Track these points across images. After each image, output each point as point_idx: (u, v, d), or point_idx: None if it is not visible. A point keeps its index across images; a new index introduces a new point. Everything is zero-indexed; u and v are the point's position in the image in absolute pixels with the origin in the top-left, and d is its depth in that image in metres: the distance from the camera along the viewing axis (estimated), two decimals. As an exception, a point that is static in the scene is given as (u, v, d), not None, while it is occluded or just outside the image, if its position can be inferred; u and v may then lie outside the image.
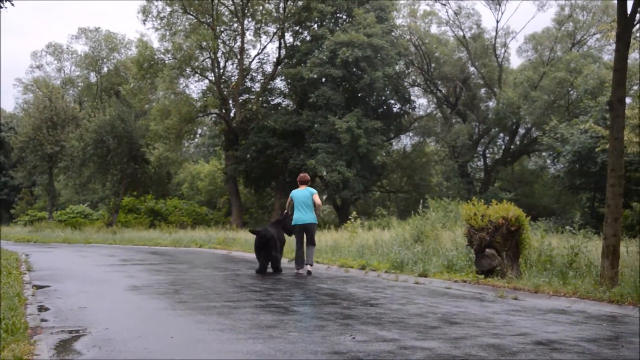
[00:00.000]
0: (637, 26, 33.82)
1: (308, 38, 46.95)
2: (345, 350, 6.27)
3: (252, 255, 22.61)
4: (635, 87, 40.16)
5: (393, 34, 47.32)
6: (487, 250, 13.50)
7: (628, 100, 41.33)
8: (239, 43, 48.16)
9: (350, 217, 22.63)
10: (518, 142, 53.84)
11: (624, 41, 12.26)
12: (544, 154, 44.04)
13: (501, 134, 54.53)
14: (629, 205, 35.68)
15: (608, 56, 48.22)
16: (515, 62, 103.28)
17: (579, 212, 24.80)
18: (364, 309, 9.37)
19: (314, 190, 16.02)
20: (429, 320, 8.38)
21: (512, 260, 13.54)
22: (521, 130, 53.26)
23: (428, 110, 57.25)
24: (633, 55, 42.33)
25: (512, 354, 6.31)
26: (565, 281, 12.11)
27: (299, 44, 47.53)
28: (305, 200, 15.93)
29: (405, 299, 10.77)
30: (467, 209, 14.30)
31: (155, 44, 58.56)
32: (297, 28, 47.78)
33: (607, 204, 11.99)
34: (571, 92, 48.25)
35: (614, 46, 12.71)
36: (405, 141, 57.08)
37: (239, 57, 48.02)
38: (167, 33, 47.00)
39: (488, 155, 56.53)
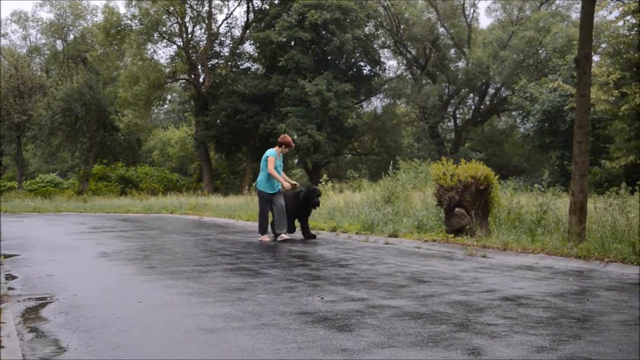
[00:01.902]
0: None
1: (276, 1, 46.57)
2: (313, 311, 6.28)
3: (224, 220, 22.65)
4: (604, 45, 40.32)
5: (362, -5, 47.12)
6: (456, 209, 13.57)
7: (596, 58, 41.55)
8: (206, 7, 47.78)
9: (321, 180, 22.62)
10: (488, 102, 54.05)
11: (589, -3, 12.26)
12: (513, 113, 44.20)
13: (471, 94, 54.73)
14: (597, 162, 36.01)
15: (576, 14, 48.26)
16: (484, 22, 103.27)
17: (547, 171, 24.91)
18: (334, 270, 9.39)
19: (265, 156, 14.51)
20: (397, 280, 8.41)
21: (481, 218, 13.62)
22: (491, 90, 53.47)
23: (398, 72, 57.27)
24: (602, 13, 42.47)
25: (479, 310, 6.35)
26: (534, 238, 12.22)
27: (267, 7, 47.18)
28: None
29: (375, 259, 10.81)
30: (436, 169, 14.34)
31: (122, 10, 58.05)
32: (266, -9, 47.42)
33: (574, 161, 12.07)
34: (540, 51, 48.44)
35: (581, 3, 12.69)
36: (376, 103, 57.16)
37: (207, 21, 47.67)
38: (134, -2, 46.46)
39: (458, 115, 56.73)
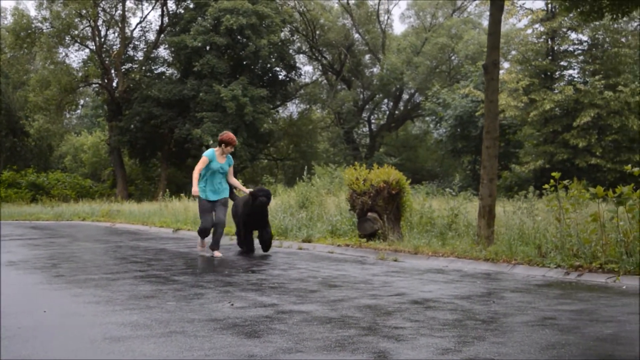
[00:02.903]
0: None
1: (191, 5, 46.28)
2: (222, 317, 6.24)
3: (136, 227, 22.34)
4: (514, 52, 41.27)
5: (277, 0, 47.16)
6: (369, 214, 13.68)
7: (506, 65, 42.49)
8: (120, 11, 47.13)
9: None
10: (402, 108, 54.72)
11: (497, 5, 12.54)
12: (427, 118, 44.90)
13: (385, 100, 55.32)
14: (508, 167, 36.83)
15: (487, 22, 49.14)
16: (398, 28, 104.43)
17: (458, 175, 25.34)
18: (245, 275, 9.37)
19: (202, 154, 12.64)
20: (309, 285, 8.44)
21: (393, 223, 13.76)
22: (405, 96, 54.14)
23: (314, 78, 57.54)
24: (512, 21, 43.47)
25: (387, 314, 6.42)
26: (444, 242, 12.42)
27: (182, 11, 46.86)
28: None
29: (287, 264, 10.82)
30: (349, 174, 14.45)
31: (32, 12, 56.71)
32: (180, -4, 47.05)
33: (482, 166, 12.32)
34: (453, 58, 49.26)
35: (489, 11, 12.97)
36: (292, 108, 57.29)
37: (120, 25, 47.02)
38: (45, 1, 45.48)
39: (373, 121, 57.27)
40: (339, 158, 47.69)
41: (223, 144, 12.43)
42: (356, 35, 53.46)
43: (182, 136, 41.82)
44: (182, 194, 27.76)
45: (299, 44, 53.62)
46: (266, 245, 13.03)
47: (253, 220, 13.00)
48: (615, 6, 12.84)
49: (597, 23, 35.48)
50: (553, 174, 10.93)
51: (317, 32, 52.65)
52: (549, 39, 39.87)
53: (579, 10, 13.23)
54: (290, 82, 50.19)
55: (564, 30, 39.25)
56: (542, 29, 39.11)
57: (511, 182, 35.26)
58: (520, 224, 12.55)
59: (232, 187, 12.84)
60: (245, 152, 41.29)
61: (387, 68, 48.85)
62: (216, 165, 12.32)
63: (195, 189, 12.10)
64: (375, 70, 54.10)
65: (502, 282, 8.64)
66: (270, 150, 53.49)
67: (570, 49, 40.60)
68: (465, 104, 36.50)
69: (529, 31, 40.14)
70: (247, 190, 12.93)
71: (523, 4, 40.81)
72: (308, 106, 56.24)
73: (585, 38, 40.37)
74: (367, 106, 55.15)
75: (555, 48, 40.10)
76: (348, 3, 52.13)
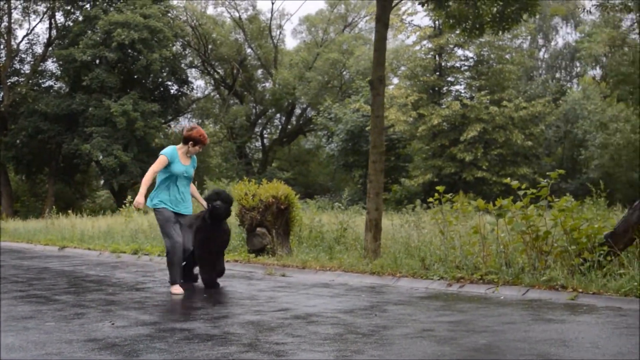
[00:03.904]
0: (407, 10, 35.28)
1: (80, 18, 45.38)
2: (102, 337, 6.12)
3: (21, 245, 21.70)
4: (403, 68, 42.08)
5: (169, 14, 46.76)
6: (258, 229, 13.67)
7: (396, 80, 43.27)
8: (5, 23, 45.83)
9: (125, 201, 22.21)
10: (294, 122, 54.95)
11: (382, 22, 12.76)
12: (319, 133, 45.23)
13: (278, 115, 55.47)
14: (398, 180, 37.43)
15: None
16: (290, 43, 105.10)
17: (347, 189, 25.59)
18: (129, 294, 9.22)
19: (161, 152, 9.72)
20: (193, 302, 8.37)
21: (282, 238, 13.79)
22: (297, 111, 54.42)
23: (206, 92, 57.28)
24: (401, 37, 44.29)
25: (270, 330, 6.42)
26: (332, 256, 12.52)
27: (71, 24, 45.92)
28: None
29: (174, 281, 10.70)
30: (238, 189, 14.42)
31: None
32: (69, 7, 46.06)
33: (369, 180, 12.51)
34: (344, 73, 49.78)
35: (375, 28, 13.20)
36: (184, 123, 56.72)
37: (5, 37, 45.72)
38: None
39: (266, 135, 57.32)
40: (231, 173, 47.43)
41: (190, 142, 9.61)
42: (248, 50, 53.50)
43: (70, 151, 40.95)
44: (69, 211, 27.11)
45: (191, 58, 53.25)
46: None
47: (212, 241, 9.80)
48: (496, 23, 13.29)
49: (482, 40, 36.59)
50: (437, 187, 11.16)
51: (210, 47, 52.41)
52: (437, 55, 40.88)
53: (462, 26, 13.64)
54: (182, 96, 49.81)
55: (451, 46, 40.31)
56: (430, 45, 40.11)
57: (401, 195, 35.84)
58: (407, 237, 12.78)
59: None
60: (136, 168, 40.68)
61: (280, 83, 49.03)
62: (179, 168, 9.49)
63: (141, 198, 9.19)
64: (268, 84, 54.25)
65: (385, 295, 8.77)
66: (161, 165, 52.78)
67: (457, 65, 41.74)
68: (356, 119, 36.96)
69: (417, 47, 41.07)
70: (204, 202, 9.85)
71: (411, 21, 41.57)
72: (200, 121, 55.88)
73: (471, 54, 41.59)
74: (259, 121, 55.18)
75: (443, 64, 41.15)
76: (240, 18, 52.11)
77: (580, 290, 8.25)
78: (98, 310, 7.70)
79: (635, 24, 19.55)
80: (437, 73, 40.65)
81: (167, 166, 9.45)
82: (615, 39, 31.14)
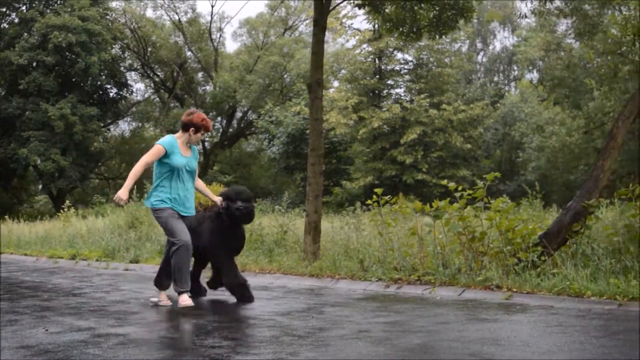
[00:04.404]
0: (347, 13, 35.33)
1: (16, 20, 44.56)
2: (34, 344, 6.03)
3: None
4: (344, 71, 42.26)
5: (108, 17, 46.21)
6: (197, 233, 13.60)
7: (336, 83, 43.44)
8: (-62, 25, 44.85)
9: (63, 206, 21.92)
10: (235, 126, 54.76)
11: (320, 26, 12.79)
12: (260, 136, 45.11)
13: (219, 118, 55.14)
14: (339, 183, 37.56)
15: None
16: (231, 46, 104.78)
17: (288, 192, 25.61)
18: (65, 299, 9.10)
19: (157, 142, 8.48)
20: (130, 307, 8.30)
21: (221, 241, 13.73)
22: (238, 114, 54.23)
23: (146, 95, 56.70)
24: (340, 41, 44.49)
25: (206, 333, 6.40)
26: (272, 258, 12.51)
27: (6, 26, 45.04)
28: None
29: (111, 286, 10.61)
30: (176, 193, 14.33)
31: None
32: (4, 9, 45.19)
33: (308, 182, 12.55)
34: (285, 76, 49.78)
35: (312, 31, 13.25)
36: (124, 127, 56.22)
37: (-62, 40, 44.70)
38: None
39: (207, 139, 56.98)
40: (172, 176, 47.05)
41: (191, 129, 8.37)
42: (188, 53, 53.11)
43: (7, 156, 40.18)
44: (6, 216, 26.62)
45: (130, 61, 52.67)
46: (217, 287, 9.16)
47: (235, 242, 8.82)
48: (433, 28, 13.44)
49: (421, 44, 37.00)
50: (376, 189, 11.24)
51: (149, 49, 51.93)
52: (377, 59, 41.19)
53: (399, 30, 13.76)
54: (122, 99, 49.22)
55: (391, 50, 40.65)
56: (369, 49, 40.36)
57: (342, 198, 36.00)
58: (346, 240, 12.85)
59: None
60: (75, 172, 40.14)
61: (220, 86, 48.79)
62: (180, 161, 8.24)
63: (124, 193, 8.05)
64: (208, 88, 53.94)
65: (323, 297, 8.80)
66: (101, 169, 52.20)
67: (397, 68, 42.14)
68: (297, 122, 36.97)
69: (358, 51, 41.31)
70: (218, 199, 8.74)
71: (351, 24, 41.80)
72: (140, 124, 55.39)
73: (410, 58, 41.97)
74: (200, 124, 54.88)
75: (383, 67, 41.49)
76: (180, 21, 51.71)
77: (515, 290, 8.39)
78: (32, 317, 7.59)
79: (570, 29, 19.99)
80: (377, 76, 40.95)
81: (166, 158, 8.17)
82: (550, 43, 31.70)
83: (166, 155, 8.16)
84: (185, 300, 8.05)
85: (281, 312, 7.56)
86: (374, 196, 11.13)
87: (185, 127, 8.37)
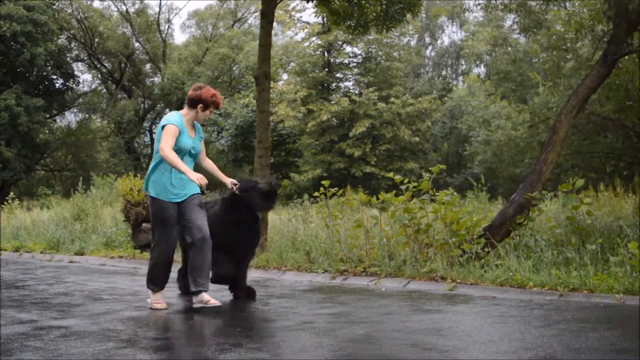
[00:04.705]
0: (296, 6, 35.21)
1: (-42, 9, 43.72)
2: (-26, 336, 5.96)
3: None
4: (293, 64, 42.25)
5: (54, 7, 45.53)
6: (143, 224, 13.54)
7: (285, 76, 43.43)
8: None
9: (7, 198, 21.61)
10: (184, 118, 54.38)
11: (267, 18, 12.79)
12: (209, 128, 44.88)
13: (167, 109, 54.67)
14: (288, 176, 37.56)
15: (267, 34, 49.55)
16: (179, 38, 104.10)
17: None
18: (7, 292, 8.96)
19: (160, 124, 7.44)
20: (74, 299, 8.22)
21: (168, 233, 13.66)
22: (187, 106, 53.86)
23: (93, 86, 55.94)
24: (290, 33, 44.48)
25: (148, 326, 6.38)
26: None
27: (-52, 15, 44.16)
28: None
29: (55, 278, 10.48)
30: (123, 185, 14.24)
31: None
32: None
33: (255, 175, 12.51)
34: (234, 68, 49.62)
35: (260, 24, 13.23)
36: (70, 118, 55.43)
37: None
38: None
39: (154, 130, 56.55)
40: (119, 168, 46.49)
41: (200, 106, 7.39)
42: (136, 44, 52.54)
43: (-54, 149, 39.48)
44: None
45: (77, 52, 51.94)
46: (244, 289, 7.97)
47: (244, 238, 7.77)
48: (380, 22, 13.49)
49: (370, 37, 37.11)
50: (323, 182, 11.28)
51: (96, 40, 51.26)
52: (325, 52, 41.20)
53: (347, 24, 13.79)
54: (68, 90, 48.52)
55: (340, 43, 40.68)
56: (318, 42, 40.36)
57: (291, 190, 35.99)
58: (294, 232, 12.87)
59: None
60: (20, 164, 39.52)
61: (168, 77, 48.37)
62: (187, 142, 7.33)
63: (195, 174, 7.07)
64: (157, 79, 53.41)
65: (269, 289, 8.81)
66: (47, 161, 51.43)
67: (346, 61, 42.19)
68: (246, 114, 36.86)
69: (307, 44, 41.31)
70: (229, 181, 7.78)
71: (300, 17, 41.78)
72: (87, 115, 54.68)
73: (359, 51, 42.07)
74: (148, 115, 54.26)
75: (332, 60, 41.50)
76: (128, 11, 51.11)
77: (459, 281, 8.51)
78: (-27, 310, 7.48)
79: (516, 24, 20.22)
80: (326, 69, 40.98)
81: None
82: (497, 38, 32.07)
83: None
84: (158, 302, 7.45)
85: (226, 304, 7.54)
86: (321, 188, 11.17)
87: (193, 104, 7.38)
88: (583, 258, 8.48)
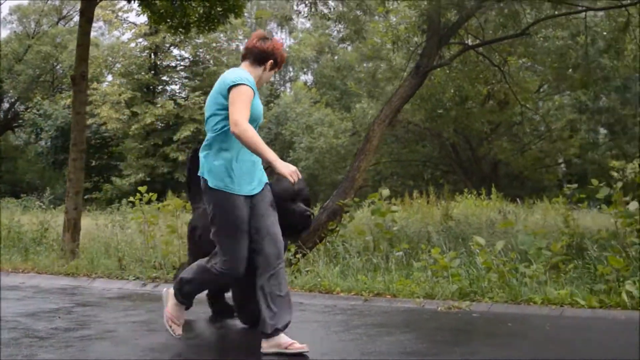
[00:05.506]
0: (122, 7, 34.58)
1: None
2: None
3: None
4: (118, 65, 41.39)
5: None
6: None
7: (110, 77, 42.49)
8: None
9: None
10: (2, 117, 52.11)
11: (86, 17, 12.54)
12: (28, 129, 43.22)
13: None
14: (109, 180, 36.76)
15: (96, 33, 48.30)
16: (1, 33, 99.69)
17: (49, 188, 24.63)
18: None
19: (229, 81, 5.17)
20: None
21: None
22: (5, 105, 51.64)
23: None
24: (116, 33, 43.54)
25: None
26: (27, 257, 12.01)
27: None
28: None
29: None
30: None
31: None
32: None
33: (68, 178, 12.21)
34: (57, 67, 48.07)
35: (78, 23, 12.91)
36: None
37: None
38: None
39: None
40: None
41: (271, 61, 5.44)
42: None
43: None
44: None
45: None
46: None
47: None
48: (202, 23, 13.44)
49: (198, 41, 36.95)
50: (140, 187, 11.09)
51: None
52: (152, 54, 40.61)
53: (168, 24, 13.62)
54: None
55: (167, 45, 40.23)
56: (145, 43, 39.72)
57: (112, 195, 35.15)
58: (108, 237, 12.58)
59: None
60: None
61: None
62: (260, 110, 5.38)
63: (284, 164, 4.97)
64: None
65: (76, 297, 8.54)
66: None
67: (173, 64, 41.75)
68: (67, 115, 35.77)
69: (133, 45, 40.56)
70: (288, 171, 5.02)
71: (127, 17, 40.92)
72: None
73: (187, 55, 41.74)
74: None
75: (159, 63, 40.94)
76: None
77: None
78: None
79: (340, 33, 20.72)
80: (152, 72, 40.38)
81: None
82: (323, 45, 32.58)
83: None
84: (179, 324, 5.81)
85: (27, 313, 7.22)
86: (137, 194, 10.98)
87: (262, 59, 5.41)
88: (389, 264, 8.73)
